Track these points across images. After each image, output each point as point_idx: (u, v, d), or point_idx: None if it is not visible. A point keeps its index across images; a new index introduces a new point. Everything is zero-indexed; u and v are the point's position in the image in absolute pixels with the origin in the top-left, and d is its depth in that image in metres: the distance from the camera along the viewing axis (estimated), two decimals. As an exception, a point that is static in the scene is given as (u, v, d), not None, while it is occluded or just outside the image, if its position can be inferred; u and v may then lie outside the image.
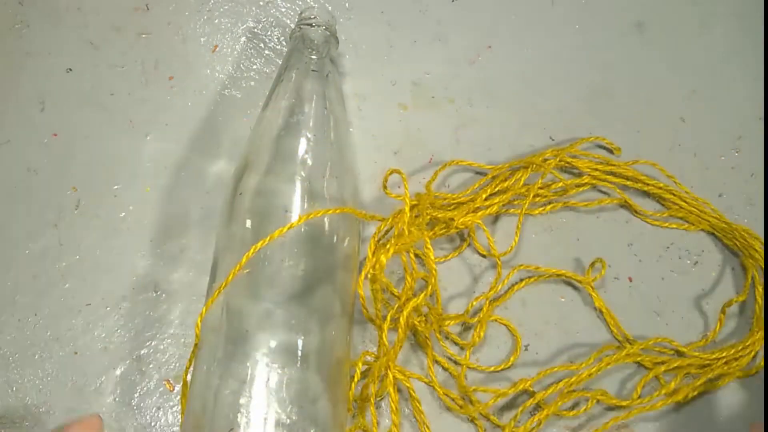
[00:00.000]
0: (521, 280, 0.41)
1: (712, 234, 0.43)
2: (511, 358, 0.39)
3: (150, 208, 0.42)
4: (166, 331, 0.39)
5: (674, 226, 0.43)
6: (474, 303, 0.39)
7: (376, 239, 0.38)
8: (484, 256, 0.42)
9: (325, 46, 0.40)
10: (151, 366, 0.38)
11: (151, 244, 0.41)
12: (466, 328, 0.40)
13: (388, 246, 0.34)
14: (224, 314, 0.33)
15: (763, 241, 0.42)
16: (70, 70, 0.45)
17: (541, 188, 0.42)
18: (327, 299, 0.34)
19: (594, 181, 0.43)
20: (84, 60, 0.45)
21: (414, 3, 0.49)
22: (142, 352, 0.38)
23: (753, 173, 0.45)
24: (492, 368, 0.39)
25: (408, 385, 0.37)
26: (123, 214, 0.41)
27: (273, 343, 0.32)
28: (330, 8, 0.48)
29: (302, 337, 0.33)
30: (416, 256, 0.40)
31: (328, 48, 0.40)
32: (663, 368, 0.38)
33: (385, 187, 0.41)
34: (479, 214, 0.41)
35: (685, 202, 0.43)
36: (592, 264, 0.41)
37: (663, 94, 0.47)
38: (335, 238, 0.35)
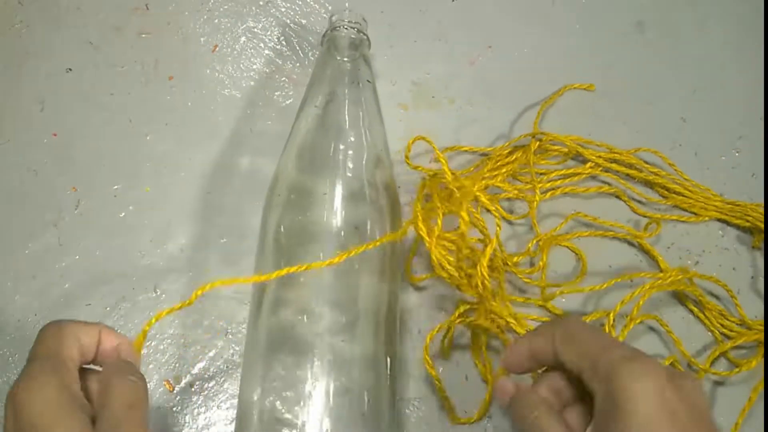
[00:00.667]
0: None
1: (720, 221, 0.43)
2: (577, 278, 0.40)
3: (150, 208, 0.42)
4: (166, 331, 0.39)
5: (675, 217, 0.43)
6: (533, 243, 0.40)
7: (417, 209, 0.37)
8: (510, 222, 0.42)
9: (357, 47, 0.40)
10: (151, 366, 0.38)
11: (151, 244, 0.41)
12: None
13: (440, 206, 0.36)
14: (270, 317, 0.33)
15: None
16: (70, 70, 0.45)
17: (542, 173, 0.43)
18: (373, 301, 0.34)
19: (596, 170, 0.43)
20: (84, 60, 0.45)
21: (414, 3, 0.49)
22: (142, 352, 0.38)
23: (753, 173, 0.45)
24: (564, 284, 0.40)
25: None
26: (123, 214, 0.41)
27: (323, 350, 0.32)
28: (330, 8, 0.48)
29: (349, 342, 0.33)
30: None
31: (361, 49, 0.41)
32: (731, 342, 0.39)
33: (407, 157, 0.40)
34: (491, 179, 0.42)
35: (689, 191, 0.43)
36: (648, 224, 0.42)
37: (663, 94, 0.47)
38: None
